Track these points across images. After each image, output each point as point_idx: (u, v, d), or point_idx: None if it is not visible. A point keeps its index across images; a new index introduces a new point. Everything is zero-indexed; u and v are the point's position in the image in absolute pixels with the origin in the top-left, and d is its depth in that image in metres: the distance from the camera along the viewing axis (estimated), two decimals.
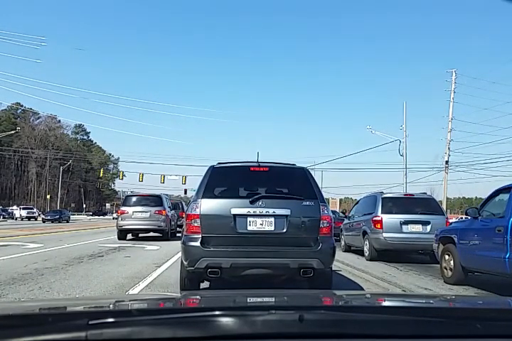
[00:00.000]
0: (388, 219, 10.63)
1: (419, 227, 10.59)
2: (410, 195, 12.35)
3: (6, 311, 1.39)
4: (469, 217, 7.20)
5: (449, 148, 36.78)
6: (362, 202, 13.18)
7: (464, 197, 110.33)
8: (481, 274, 7.05)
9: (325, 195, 6.28)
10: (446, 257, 7.56)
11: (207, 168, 5.76)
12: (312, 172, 6.18)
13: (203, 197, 5.31)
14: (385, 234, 10.49)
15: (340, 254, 10.71)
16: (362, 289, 6.59)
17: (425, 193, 12.79)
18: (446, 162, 36.76)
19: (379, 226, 10.63)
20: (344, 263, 10.08)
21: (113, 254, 10.83)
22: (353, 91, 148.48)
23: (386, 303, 1.81)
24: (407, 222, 10.57)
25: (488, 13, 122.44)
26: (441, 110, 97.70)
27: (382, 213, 10.75)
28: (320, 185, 6.31)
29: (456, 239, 7.31)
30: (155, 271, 7.92)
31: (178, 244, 13.56)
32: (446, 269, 7.57)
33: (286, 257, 5.14)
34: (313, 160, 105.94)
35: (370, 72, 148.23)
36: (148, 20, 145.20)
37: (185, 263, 5.30)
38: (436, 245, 8.05)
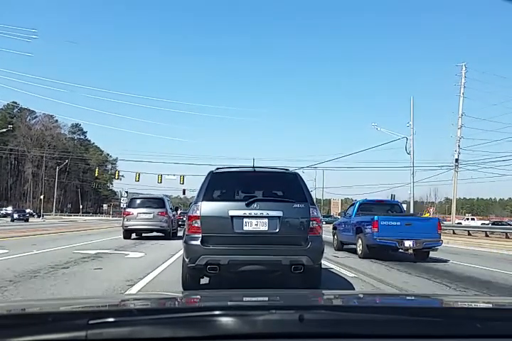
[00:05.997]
0: None
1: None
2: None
3: (6, 311, 1.38)
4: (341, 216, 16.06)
5: (458, 146, 34.12)
6: None
7: (465, 198, 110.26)
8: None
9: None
10: (335, 236, 14.98)
11: (206, 173, 6.16)
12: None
13: (203, 200, 5.68)
14: None
15: None
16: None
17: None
18: (456, 160, 34.20)
19: None
20: None
21: (82, 265, 8.82)
22: (354, 91, 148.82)
23: (386, 303, 1.81)
24: None
25: (494, 12, 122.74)
26: (442, 111, 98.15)
27: None
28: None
29: (337, 227, 14.90)
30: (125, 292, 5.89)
31: (174, 245, 13.53)
32: (334, 243, 14.91)
33: (279, 255, 5.50)
34: (316, 159, 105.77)
35: (375, 71, 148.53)
36: (146, 18, 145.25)
37: (186, 260, 5.61)
38: (332, 229, 15.49)
